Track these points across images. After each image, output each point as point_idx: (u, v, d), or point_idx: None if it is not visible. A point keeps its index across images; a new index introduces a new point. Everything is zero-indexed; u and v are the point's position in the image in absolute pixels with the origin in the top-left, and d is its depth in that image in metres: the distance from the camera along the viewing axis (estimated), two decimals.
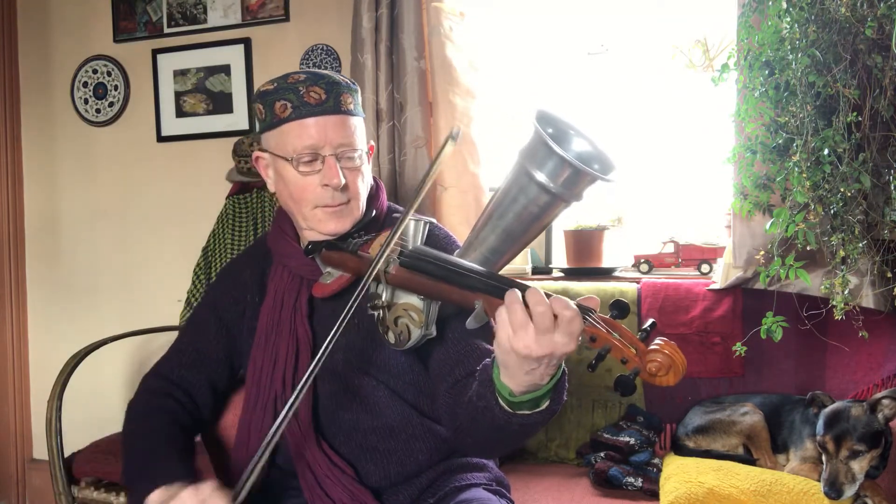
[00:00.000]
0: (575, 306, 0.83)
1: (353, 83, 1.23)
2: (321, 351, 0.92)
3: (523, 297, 0.84)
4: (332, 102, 1.17)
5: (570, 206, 0.92)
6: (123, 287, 2.89)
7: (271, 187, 1.27)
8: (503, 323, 0.85)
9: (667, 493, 1.60)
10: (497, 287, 0.89)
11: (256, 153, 1.27)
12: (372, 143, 1.31)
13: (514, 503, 1.27)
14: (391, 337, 1.03)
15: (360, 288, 0.94)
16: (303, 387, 0.92)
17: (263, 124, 1.22)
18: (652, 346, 0.83)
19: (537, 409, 0.93)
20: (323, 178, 1.18)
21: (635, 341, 0.84)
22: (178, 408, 1.28)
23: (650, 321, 0.88)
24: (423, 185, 0.96)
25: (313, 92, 1.17)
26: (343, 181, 1.18)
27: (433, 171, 0.95)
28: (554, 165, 0.87)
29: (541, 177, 0.88)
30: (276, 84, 1.19)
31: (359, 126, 1.22)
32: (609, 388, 2.03)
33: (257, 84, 2.64)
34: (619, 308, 0.87)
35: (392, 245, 0.98)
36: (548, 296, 0.84)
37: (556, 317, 0.82)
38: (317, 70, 1.22)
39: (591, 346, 0.85)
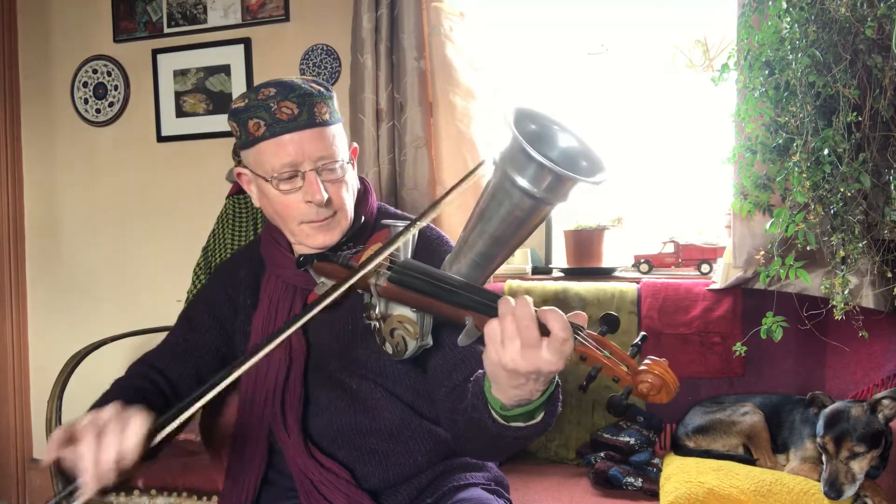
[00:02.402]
0: (570, 328, 0.81)
1: (328, 89, 1.19)
2: (286, 324, 0.89)
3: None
4: (306, 116, 1.13)
5: (556, 206, 0.89)
6: (123, 287, 2.89)
7: (256, 203, 1.23)
8: (491, 336, 0.83)
9: (667, 493, 1.60)
10: (486, 304, 0.87)
11: (238, 169, 1.23)
12: (355, 144, 1.27)
13: (512, 503, 1.27)
14: (388, 348, 1.02)
15: (334, 288, 0.92)
16: (254, 352, 0.86)
17: (240, 142, 1.18)
18: (642, 367, 0.81)
19: (531, 422, 0.92)
20: (305, 194, 1.14)
21: (626, 359, 0.82)
22: (153, 389, 1.25)
23: (641, 335, 0.86)
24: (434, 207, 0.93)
25: (285, 107, 1.13)
26: (326, 196, 1.14)
27: (452, 192, 0.93)
28: (535, 171, 0.83)
29: (523, 182, 0.84)
30: (246, 101, 1.15)
31: (337, 134, 1.18)
32: (609, 388, 2.02)
33: (258, 83, 2.63)
34: (608, 323, 0.84)
35: (373, 266, 0.95)
36: (542, 312, 0.81)
37: (549, 333, 0.81)
38: (287, 80, 1.17)
39: (582, 366, 0.84)
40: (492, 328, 0.83)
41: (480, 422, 0.95)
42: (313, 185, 1.14)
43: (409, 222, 0.98)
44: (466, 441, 1.06)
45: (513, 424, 0.92)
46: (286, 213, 1.18)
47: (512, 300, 0.83)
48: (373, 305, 1.01)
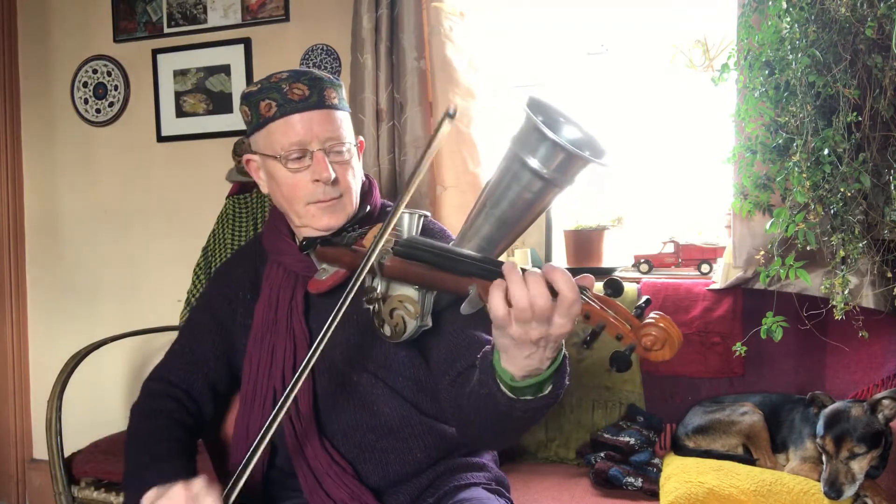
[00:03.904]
0: (578, 289, 0.82)
1: (337, 79, 1.24)
2: (316, 344, 0.91)
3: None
4: (316, 98, 1.18)
5: (563, 191, 0.91)
6: (123, 287, 2.89)
7: (264, 189, 1.27)
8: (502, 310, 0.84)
9: (667, 493, 1.60)
10: (491, 271, 0.88)
11: (247, 156, 1.26)
12: (362, 138, 1.30)
13: (513, 503, 1.27)
14: (387, 330, 1.03)
15: (353, 279, 0.93)
16: (295, 383, 0.90)
17: (251, 126, 1.22)
18: (647, 321, 0.82)
19: (540, 395, 0.93)
20: (312, 173, 1.18)
21: (630, 317, 0.84)
22: (178, 406, 1.28)
23: (645, 298, 0.87)
24: (420, 167, 0.94)
25: (296, 89, 1.17)
26: (333, 175, 1.18)
27: (430, 153, 0.94)
28: (546, 151, 0.87)
29: (533, 163, 0.87)
30: (259, 85, 1.20)
31: (345, 120, 1.22)
32: (609, 388, 2.03)
33: None
34: (613, 287, 0.86)
35: (387, 236, 0.97)
36: (550, 271, 0.82)
37: (556, 295, 0.81)
38: (299, 68, 1.22)
39: (586, 324, 0.85)
40: (499, 292, 0.83)
41: (489, 397, 0.95)
42: (321, 164, 1.17)
43: (410, 208, 0.99)
44: (473, 426, 1.06)
45: (522, 398, 0.92)
46: (293, 194, 1.20)
47: (519, 270, 0.83)
48: (373, 287, 1.02)
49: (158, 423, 1.24)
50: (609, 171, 2.42)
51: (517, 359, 0.88)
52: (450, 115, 0.89)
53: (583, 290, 0.85)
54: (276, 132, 1.18)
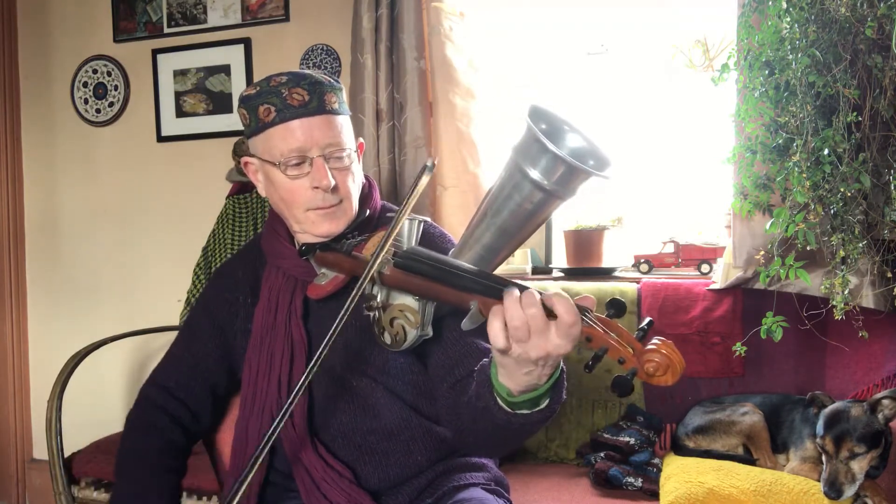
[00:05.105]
0: (577, 311, 0.82)
1: (337, 81, 1.22)
2: (318, 354, 0.90)
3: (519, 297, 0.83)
4: (316, 103, 1.15)
5: (565, 201, 0.91)
6: (123, 287, 2.89)
7: (262, 192, 1.25)
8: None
9: (667, 493, 1.60)
10: (492, 287, 0.88)
11: (245, 159, 1.25)
12: (362, 140, 1.29)
13: (512, 503, 1.27)
14: (387, 338, 1.02)
15: (356, 290, 0.92)
16: (298, 391, 0.90)
17: (249, 129, 1.20)
18: (649, 346, 0.82)
19: (537, 409, 0.92)
20: (312, 180, 1.16)
21: (632, 341, 0.83)
22: (171, 424, 1.30)
23: (647, 320, 0.87)
24: (401, 215, 0.94)
25: (296, 94, 1.15)
26: (333, 182, 1.16)
27: (410, 202, 0.93)
28: (548, 163, 0.85)
29: (535, 174, 0.86)
30: (258, 88, 1.17)
31: (345, 125, 1.20)
32: (609, 388, 2.03)
33: None
34: (615, 307, 0.85)
35: (385, 251, 0.96)
36: (549, 296, 0.82)
37: (556, 317, 0.81)
38: (299, 70, 1.20)
39: (588, 347, 0.84)
40: (498, 322, 0.83)
41: (486, 410, 0.95)
42: (321, 171, 1.15)
43: (410, 213, 0.99)
44: (469, 434, 1.05)
45: (519, 412, 0.92)
46: (292, 200, 1.18)
47: (517, 291, 0.83)
48: (373, 295, 1.01)
49: (150, 445, 1.27)
50: (617, 169, 2.41)
51: (516, 375, 0.87)
52: (428, 168, 0.88)
53: (584, 311, 0.84)
54: (275, 138, 1.16)
